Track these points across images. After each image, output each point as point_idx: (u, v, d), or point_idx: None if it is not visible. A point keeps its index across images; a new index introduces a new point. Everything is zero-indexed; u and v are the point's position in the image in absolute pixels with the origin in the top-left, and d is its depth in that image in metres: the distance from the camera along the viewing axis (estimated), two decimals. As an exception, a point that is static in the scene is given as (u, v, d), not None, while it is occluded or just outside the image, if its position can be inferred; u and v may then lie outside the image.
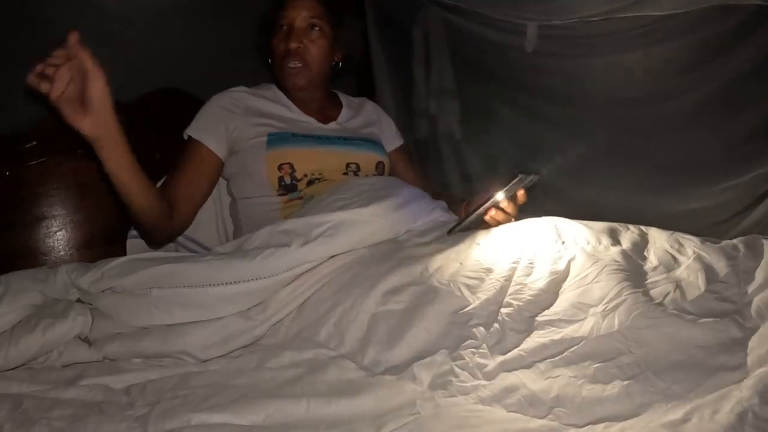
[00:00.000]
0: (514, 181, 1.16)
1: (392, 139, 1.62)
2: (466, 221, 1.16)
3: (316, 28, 1.41)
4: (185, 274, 0.99)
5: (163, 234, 1.30)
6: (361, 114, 1.57)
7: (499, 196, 1.16)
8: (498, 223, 1.19)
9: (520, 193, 1.19)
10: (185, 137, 1.37)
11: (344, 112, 1.53)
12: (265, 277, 0.99)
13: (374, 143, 1.50)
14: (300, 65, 1.40)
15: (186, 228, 1.38)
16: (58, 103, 0.95)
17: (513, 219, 1.20)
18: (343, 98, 1.58)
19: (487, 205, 1.16)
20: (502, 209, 1.18)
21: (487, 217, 1.18)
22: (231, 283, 0.97)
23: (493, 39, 1.61)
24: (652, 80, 1.40)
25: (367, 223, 1.11)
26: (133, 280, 1.00)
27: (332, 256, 1.08)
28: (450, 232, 1.17)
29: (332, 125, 1.47)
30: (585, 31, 1.40)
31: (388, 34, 1.97)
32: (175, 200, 1.27)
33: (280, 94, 1.47)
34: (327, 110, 1.50)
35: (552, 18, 1.43)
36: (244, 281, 0.98)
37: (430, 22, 1.81)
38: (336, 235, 1.07)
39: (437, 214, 1.27)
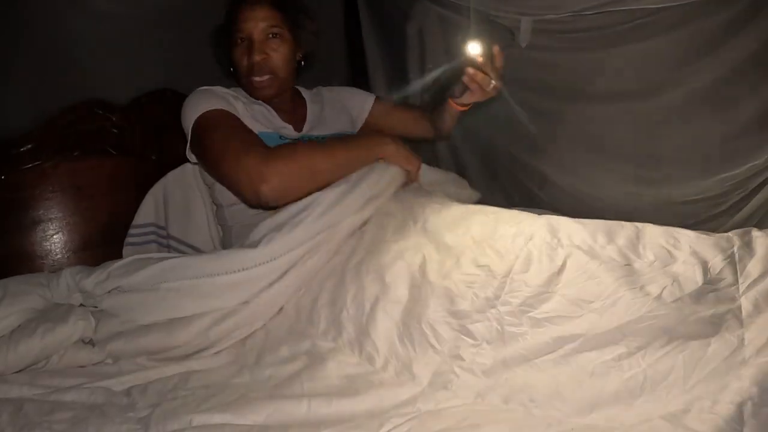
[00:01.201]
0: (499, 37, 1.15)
1: (365, 100, 1.60)
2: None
3: (276, 36, 1.34)
4: (192, 266, 1.02)
5: None
6: (326, 104, 1.53)
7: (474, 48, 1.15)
8: (477, 86, 1.21)
9: (496, 49, 1.18)
10: (192, 121, 1.25)
11: (310, 109, 1.49)
12: (270, 261, 1.01)
13: (347, 135, 1.49)
14: (268, 77, 1.34)
15: None
16: None
17: (492, 83, 1.20)
18: (304, 93, 1.54)
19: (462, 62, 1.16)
20: (480, 69, 1.19)
21: (465, 79, 1.18)
22: (238, 270, 1.00)
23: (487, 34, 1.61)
24: (646, 73, 1.40)
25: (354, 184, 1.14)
26: (140, 277, 1.02)
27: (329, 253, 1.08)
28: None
29: (307, 129, 1.44)
30: (579, 25, 1.40)
31: (382, 30, 1.96)
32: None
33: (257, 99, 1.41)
34: (297, 112, 1.46)
35: (546, 12, 1.43)
36: (250, 267, 1.00)
37: (423, 17, 1.80)
38: (329, 209, 1.08)
39: None
